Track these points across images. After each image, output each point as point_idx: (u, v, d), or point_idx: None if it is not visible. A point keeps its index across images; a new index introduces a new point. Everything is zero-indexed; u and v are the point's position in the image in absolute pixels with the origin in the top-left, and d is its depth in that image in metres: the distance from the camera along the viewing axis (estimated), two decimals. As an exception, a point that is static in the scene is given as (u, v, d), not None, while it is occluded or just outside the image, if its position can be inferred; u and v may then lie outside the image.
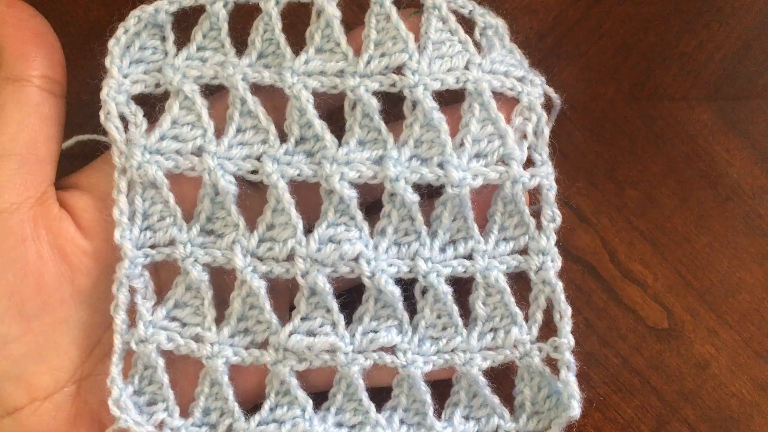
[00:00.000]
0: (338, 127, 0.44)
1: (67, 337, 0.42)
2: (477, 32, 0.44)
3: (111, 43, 0.43)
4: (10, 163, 0.41)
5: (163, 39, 0.44)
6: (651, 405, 0.50)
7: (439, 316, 0.44)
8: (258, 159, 0.43)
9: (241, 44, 0.44)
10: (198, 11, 0.44)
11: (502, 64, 0.43)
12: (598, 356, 0.50)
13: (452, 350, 0.44)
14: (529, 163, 0.44)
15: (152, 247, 0.43)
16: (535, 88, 0.44)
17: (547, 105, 0.46)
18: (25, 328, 0.41)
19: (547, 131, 0.44)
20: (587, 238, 0.50)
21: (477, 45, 0.44)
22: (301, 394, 0.44)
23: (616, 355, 0.50)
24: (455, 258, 0.44)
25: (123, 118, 0.43)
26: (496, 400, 0.45)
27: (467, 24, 0.44)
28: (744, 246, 0.51)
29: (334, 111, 0.44)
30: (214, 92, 0.44)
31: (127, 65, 0.43)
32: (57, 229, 0.42)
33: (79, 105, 0.55)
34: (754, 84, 0.51)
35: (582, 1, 0.52)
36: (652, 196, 0.51)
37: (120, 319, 0.43)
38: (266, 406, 0.44)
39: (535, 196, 0.45)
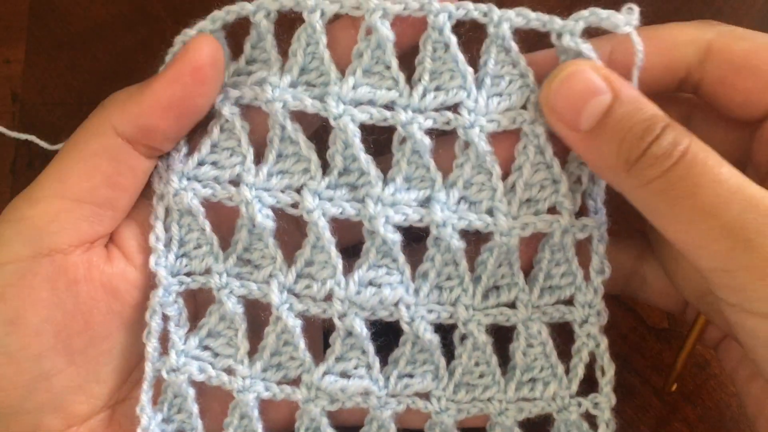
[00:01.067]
0: (378, 147, 0.42)
1: (109, 366, 0.42)
2: (557, 53, 0.40)
3: (161, 70, 0.41)
4: (83, 209, 0.40)
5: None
6: (652, 405, 0.50)
7: (477, 364, 0.43)
8: (298, 191, 0.41)
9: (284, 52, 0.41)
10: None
11: None
12: None
13: (488, 399, 0.43)
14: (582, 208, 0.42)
15: (188, 274, 0.42)
16: None
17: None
18: (69, 361, 0.40)
19: (603, 185, 0.42)
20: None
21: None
22: None
23: (617, 355, 0.47)
24: (497, 306, 0.42)
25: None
26: None
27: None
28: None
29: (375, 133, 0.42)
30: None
31: None
32: (110, 270, 0.41)
33: (79, 105, 0.56)
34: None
35: (582, 2, 0.49)
36: None
37: (152, 346, 0.42)
38: None
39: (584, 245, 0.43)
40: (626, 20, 0.38)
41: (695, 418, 0.50)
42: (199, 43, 0.39)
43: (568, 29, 0.39)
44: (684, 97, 0.43)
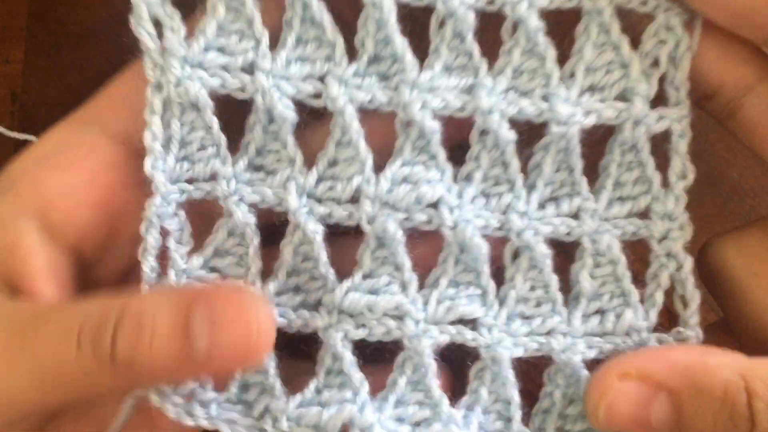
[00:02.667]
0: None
1: None
2: None
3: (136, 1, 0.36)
4: None
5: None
6: None
7: (533, 288, 0.36)
8: (321, 80, 0.35)
9: None
10: None
11: None
12: None
13: (548, 332, 0.36)
14: (658, 101, 0.36)
15: (190, 181, 0.36)
16: (677, 3, 0.34)
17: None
18: None
19: (688, 60, 0.35)
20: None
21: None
22: (357, 374, 0.35)
23: None
24: (557, 216, 0.36)
25: (157, 24, 0.35)
26: None
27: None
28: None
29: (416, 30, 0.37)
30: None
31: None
32: None
33: (79, 105, 0.53)
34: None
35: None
36: None
37: (148, 265, 0.35)
38: (312, 386, 0.36)
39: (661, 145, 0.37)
40: None
41: None
42: (259, 329, 0.32)
43: None
44: None
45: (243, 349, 0.31)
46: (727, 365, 0.32)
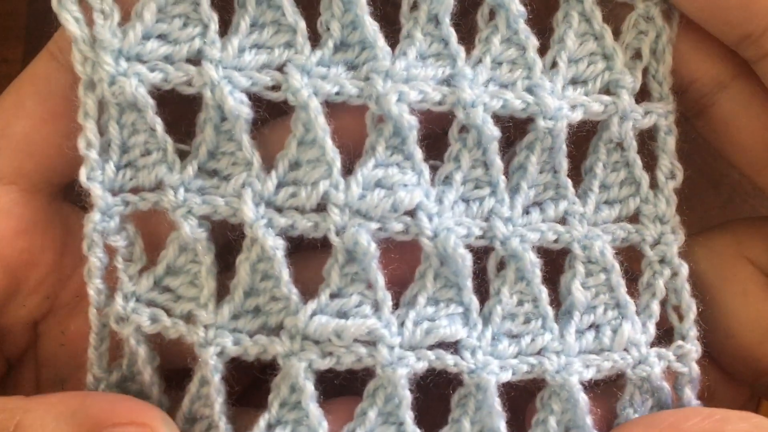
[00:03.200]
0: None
1: None
2: None
3: None
4: None
5: None
6: None
7: (520, 302, 0.33)
8: (280, 69, 0.31)
9: None
10: None
11: None
12: None
13: (539, 352, 0.32)
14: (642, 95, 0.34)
15: (134, 191, 0.32)
16: None
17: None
18: None
19: (669, 52, 0.33)
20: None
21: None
22: (316, 412, 0.31)
23: None
24: (543, 222, 0.33)
25: (85, 4, 0.31)
26: None
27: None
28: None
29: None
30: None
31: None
32: None
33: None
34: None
35: None
36: None
37: (94, 288, 0.31)
38: (262, 423, 0.31)
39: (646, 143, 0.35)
40: None
41: None
42: None
43: None
44: None
45: None
46: None
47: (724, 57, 0.34)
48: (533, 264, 0.32)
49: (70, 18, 0.31)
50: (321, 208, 0.31)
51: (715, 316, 0.35)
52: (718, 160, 0.48)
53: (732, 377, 0.37)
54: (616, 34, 0.34)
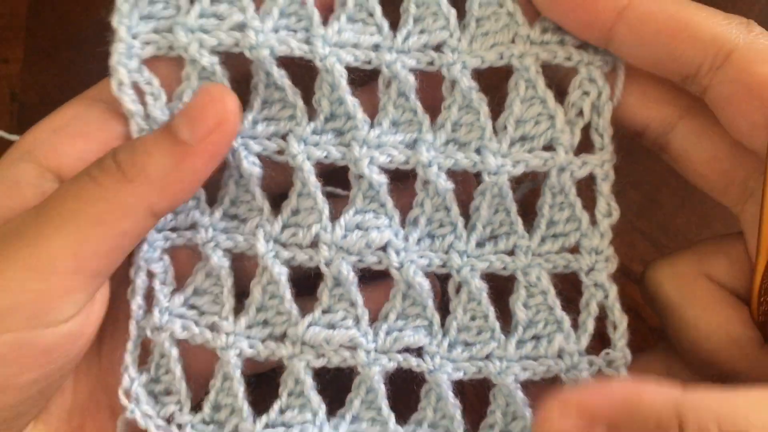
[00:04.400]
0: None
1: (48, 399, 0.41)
2: None
3: (119, 0, 0.38)
4: (92, 286, 0.38)
5: None
6: None
7: (473, 318, 0.40)
8: (284, 138, 0.40)
9: None
10: None
11: (557, 31, 0.38)
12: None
13: (486, 357, 0.40)
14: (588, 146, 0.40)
15: (173, 230, 0.41)
16: (598, 56, 0.38)
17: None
18: (35, 405, 0.39)
19: (608, 108, 0.39)
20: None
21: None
22: (315, 397, 0.40)
23: None
24: (495, 253, 0.40)
25: (136, 88, 0.39)
26: None
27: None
28: (746, 246, 0.45)
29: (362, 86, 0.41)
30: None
31: (136, 23, 0.39)
32: None
33: None
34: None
35: None
36: (653, 197, 0.51)
37: (136, 304, 0.41)
38: (276, 406, 0.40)
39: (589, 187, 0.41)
40: None
41: None
42: (230, 99, 0.38)
43: None
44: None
45: (219, 124, 0.37)
46: (661, 396, 0.34)
47: (671, 100, 0.38)
48: (480, 289, 0.39)
49: (127, 99, 0.39)
50: (314, 244, 0.40)
51: (681, 329, 0.39)
52: None
53: (704, 379, 0.40)
54: (564, 93, 0.39)
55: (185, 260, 0.42)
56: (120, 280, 0.41)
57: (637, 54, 0.37)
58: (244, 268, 0.42)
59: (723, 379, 0.39)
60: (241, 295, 0.41)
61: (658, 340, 0.47)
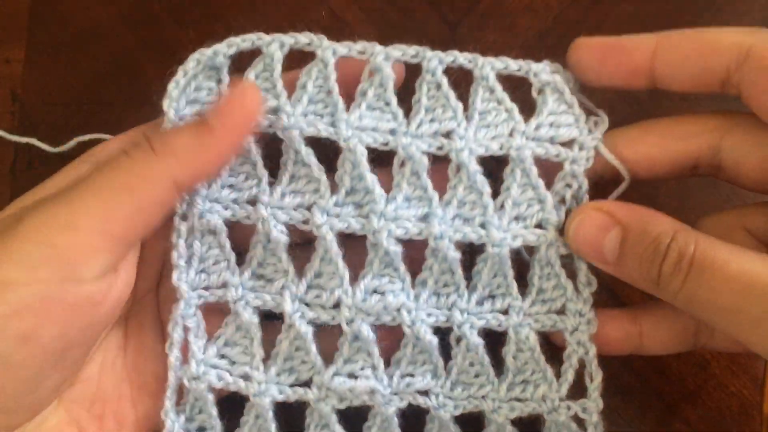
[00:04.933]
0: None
1: (76, 369, 0.45)
2: (534, 91, 0.45)
3: (170, 86, 0.44)
4: (118, 248, 0.42)
5: (219, 81, 0.45)
6: (652, 406, 0.51)
7: (471, 364, 0.47)
8: (308, 208, 0.45)
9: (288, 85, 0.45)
10: (254, 55, 0.45)
11: (550, 128, 0.45)
12: (599, 356, 0.48)
13: (482, 397, 0.47)
14: None
15: (206, 288, 0.46)
16: (582, 152, 0.45)
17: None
18: (56, 368, 0.42)
19: (586, 198, 0.45)
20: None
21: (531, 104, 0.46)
22: (340, 431, 0.47)
23: (617, 356, 0.49)
24: (491, 312, 0.46)
25: None
26: None
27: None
28: (744, 246, 0.50)
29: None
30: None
31: (183, 106, 0.44)
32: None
33: (79, 105, 0.57)
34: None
35: (582, 1, 0.53)
36: (652, 197, 0.52)
37: (174, 356, 0.46)
38: None
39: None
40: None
41: (695, 418, 0.51)
42: (254, 95, 0.43)
43: (542, 69, 0.45)
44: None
45: (242, 115, 0.43)
46: (669, 223, 0.41)
47: (704, 125, 0.44)
48: (476, 343, 0.46)
49: None
50: (336, 306, 0.45)
51: None
52: None
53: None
54: (551, 183, 0.45)
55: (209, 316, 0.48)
56: (148, 288, 0.47)
57: (678, 79, 0.43)
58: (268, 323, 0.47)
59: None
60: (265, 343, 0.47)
61: None
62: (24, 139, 0.56)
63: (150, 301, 0.49)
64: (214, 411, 0.46)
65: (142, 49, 0.57)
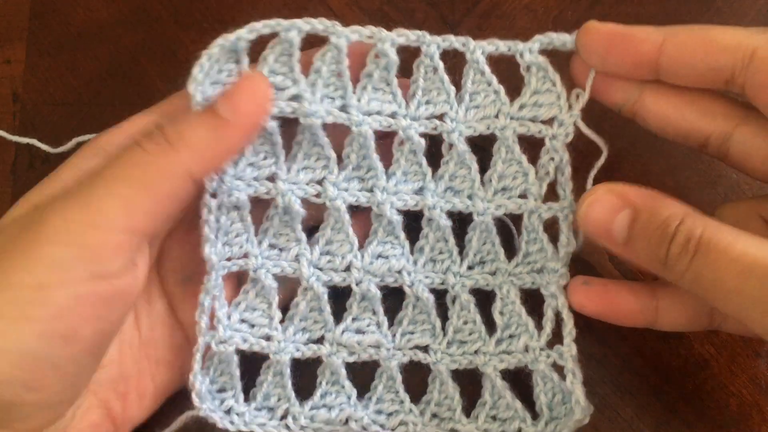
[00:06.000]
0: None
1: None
2: (521, 70, 0.50)
3: (195, 69, 0.46)
4: (142, 243, 0.44)
5: (237, 62, 0.48)
6: (651, 405, 0.52)
7: (465, 322, 0.52)
8: (319, 183, 0.51)
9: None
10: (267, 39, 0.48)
11: (532, 108, 0.50)
12: (598, 356, 0.53)
13: (474, 352, 0.52)
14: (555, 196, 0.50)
15: (228, 259, 0.51)
16: (562, 128, 0.50)
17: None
18: (96, 361, 0.45)
19: (568, 170, 0.50)
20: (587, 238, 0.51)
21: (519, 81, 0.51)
22: (348, 384, 0.52)
23: (616, 355, 0.53)
24: (481, 274, 0.52)
25: None
26: (518, 404, 0.51)
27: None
28: (743, 245, 0.52)
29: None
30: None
31: (209, 88, 0.47)
32: None
33: (80, 105, 0.58)
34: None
35: (582, 1, 0.56)
36: None
37: (204, 322, 0.50)
38: (318, 393, 0.52)
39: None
40: (571, 39, 0.49)
41: (695, 418, 0.52)
42: (265, 85, 0.46)
43: (527, 48, 0.50)
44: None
45: (255, 106, 0.45)
46: (679, 206, 0.42)
47: (725, 113, 0.45)
48: (468, 300, 0.52)
49: None
50: (347, 269, 0.51)
51: None
52: (715, 161, 0.51)
53: None
54: (536, 158, 0.51)
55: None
56: (150, 265, 0.48)
57: (682, 74, 0.45)
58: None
59: None
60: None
61: (656, 341, 0.53)
62: (25, 140, 0.57)
63: (153, 277, 0.51)
64: (237, 372, 0.51)
65: (142, 49, 0.58)
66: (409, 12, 0.56)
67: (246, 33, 0.47)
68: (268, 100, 0.47)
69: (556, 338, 0.50)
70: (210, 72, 0.47)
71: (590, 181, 0.49)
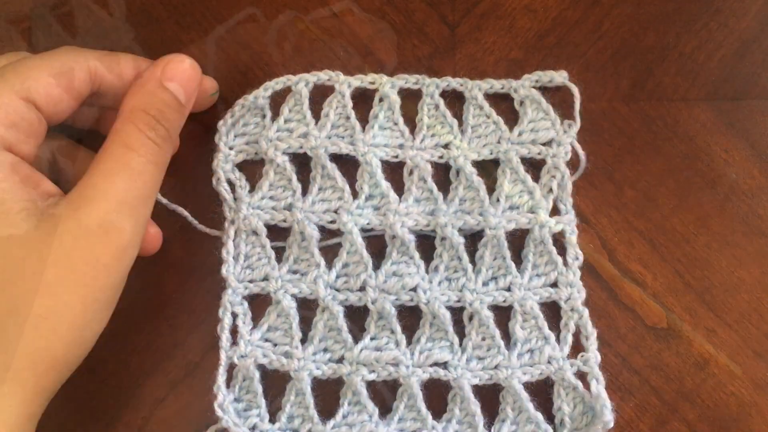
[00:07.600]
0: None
1: None
2: (515, 103, 0.55)
3: (220, 124, 0.54)
4: None
5: (263, 116, 0.54)
6: (650, 405, 0.52)
7: (483, 338, 0.53)
8: (335, 212, 0.54)
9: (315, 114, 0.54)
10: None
11: (531, 133, 0.54)
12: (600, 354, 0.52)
13: (495, 367, 0.53)
14: (555, 212, 0.53)
15: (250, 281, 0.54)
16: (561, 148, 0.54)
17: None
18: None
19: (569, 186, 0.54)
20: (587, 238, 0.54)
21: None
22: (370, 403, 0.52)
23: (616, 355, 0.53)
24: (497, 290, 0.53)
25: (229, 182, 0.54)
26: (540, 416, 0.52)
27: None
28: (743, 246, 0.52)
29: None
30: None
31: (232, 139, 0.54)
32: None
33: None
34: (753, 84, 0.53)
35: (581, 2, 0.55)
36: (651, 196, 0.53)
37: (225, 337, 0.53)
38: (340, 412, 0.53)
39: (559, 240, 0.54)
40: (559, 74, 0.54)
41: (695, 418, 0.52)
42: (194, 70, 0.50)
43: (520, 84, 0.55)
44: None
45: (192, 80, 0.50)
46: None
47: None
48: (487, 317, 0.53)
49: (223, 190, 0.54)
50: (362, 288, 0.53)
51: None
52: (715, 161, 0.52)
53: None
54: (538, 177, 0.54)
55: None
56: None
57: None
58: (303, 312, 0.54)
59: None
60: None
61: (655, 340, 0.53)
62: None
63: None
64: (260, 389, 0.53)
65: (142, 49, 0.58)
66: (409, 12, 0.57)
67: (262, 91, 0.54)
68: (199, 77, 0.51)
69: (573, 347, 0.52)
70: (235, 125, 0.54)
71: (569, 185, 0.53)
